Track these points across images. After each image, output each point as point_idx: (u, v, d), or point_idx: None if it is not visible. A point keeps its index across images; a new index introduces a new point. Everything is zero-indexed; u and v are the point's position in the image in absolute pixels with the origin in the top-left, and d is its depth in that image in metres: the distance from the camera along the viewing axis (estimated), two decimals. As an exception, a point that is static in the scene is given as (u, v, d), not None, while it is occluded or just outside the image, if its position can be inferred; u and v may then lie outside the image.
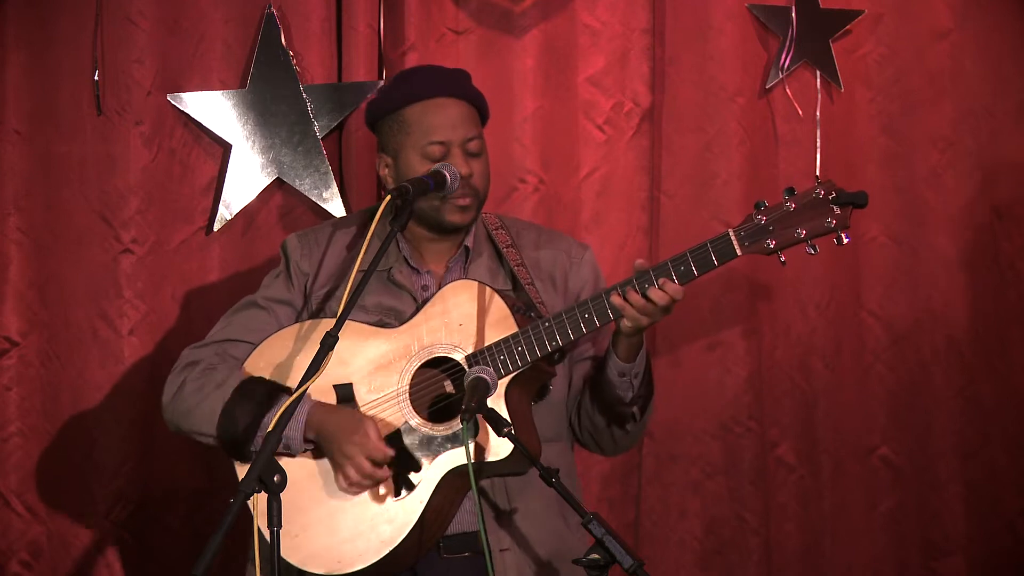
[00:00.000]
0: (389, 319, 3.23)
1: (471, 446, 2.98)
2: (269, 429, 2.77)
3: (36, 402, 4.03)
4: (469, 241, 3.31)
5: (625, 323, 3.10)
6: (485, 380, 3.00)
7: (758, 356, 4.20)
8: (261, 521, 3.00)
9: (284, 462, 3.13)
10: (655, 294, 3.06)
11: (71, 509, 4.02)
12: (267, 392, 3.17)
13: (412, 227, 3.30)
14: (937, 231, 4.25)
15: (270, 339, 3.26)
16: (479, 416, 2.97)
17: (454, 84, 3.29)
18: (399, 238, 3.30)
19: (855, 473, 4.25)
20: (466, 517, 3.19)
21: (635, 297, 3.07)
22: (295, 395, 2.82)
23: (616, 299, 3.08)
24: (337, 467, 3.13)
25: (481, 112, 3.33)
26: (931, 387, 4.25)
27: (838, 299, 4.24)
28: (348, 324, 3.12)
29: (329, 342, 2.89)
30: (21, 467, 4.02)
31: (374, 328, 3.21)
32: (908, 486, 4.25)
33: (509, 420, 2.99)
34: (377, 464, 3.10)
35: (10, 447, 4.02)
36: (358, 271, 3.03)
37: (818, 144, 4.17)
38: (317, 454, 3.17)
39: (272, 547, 2.73)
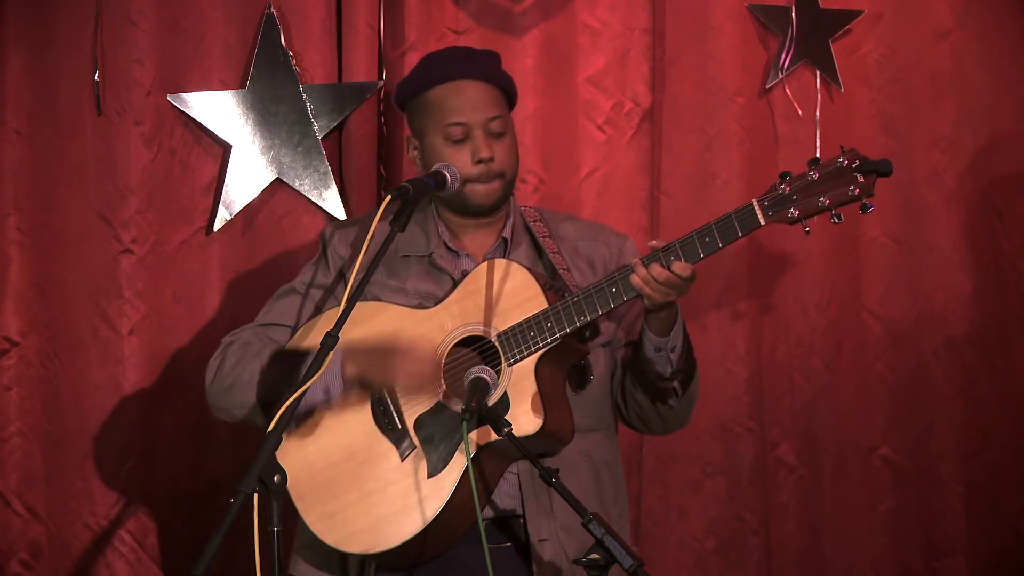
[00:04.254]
0: (428, 303, 3.25)
1: (478, 435, 2.99)
2: (269, 429, 2.77)
3: (36, 402, 4.03)
4: (507, 232, 3.33)
5: (646, 301, 3.10)
6: (485, 380, 3.01)
7: (758, 356, 4.20)
8: (299, 504, 3.08)
9: (321, 444, 3.14)
10: (678, 267, 3.06)
11: (71, 509, 4.02)
12: (304, 355, 3.17)
13: (445, 213, 3.32)
14: (937, 231, 4.25)
15: (310, 323, 3.27)
16: (503, 395, 3.02)
17: (477, 65, 3.31)
18: (438, 222, 3.32)
19: (855, 473, 4.24)
20: (504, 499, 3.19)
21: (658, 270, 3.06)
22: (295, 395, 2.82)
23: (635, 279, 3.08)
24: (391, 377, 3.16)
25: (508, 93, 3.33)
26: (931, 387, 4.25)
27: (838, 299, 4.24)
28: (387, 307, 3.16)
29: (329, 342, 2.89)
30: (21, 467, 4.02)
31: (411, 310, 3.23)
32: (909, 486, 4.25)
33: (509, 420, 2.99)
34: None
35: (10, 447, 4.02)
36: (357, 273, 3.04)
37: (818, 144, 4.17)
38: (353, 434, 3.18)
39: (272, 547, 2.72)
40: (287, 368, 3.17)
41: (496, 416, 2.97)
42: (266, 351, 3.24)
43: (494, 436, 3.07)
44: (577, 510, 2.89)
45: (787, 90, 4.20)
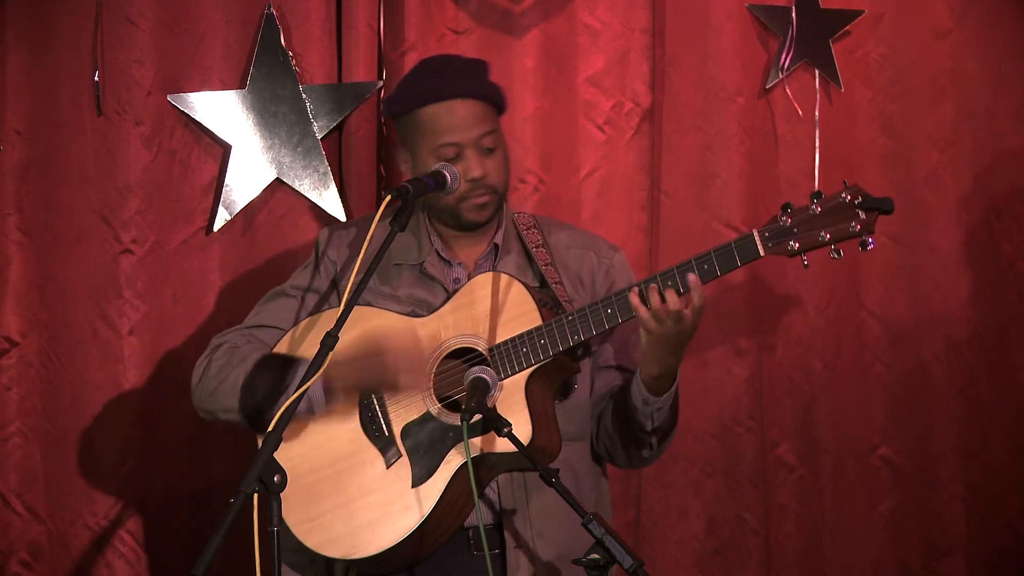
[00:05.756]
0: (421, 310, 3.25)
1: (470, 443, 2.99)
2: (269, 429, 2.77)
3: (36, 402, 4.03)
4: (499, 239, 3.33)
5: (643, 333, 3.05)
6: (485, 380, 3.01)
7: (758, 356, 4.20)
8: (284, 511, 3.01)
9: (306, 448, 3.14)
10: (670, 297, 3.01)
11: (71, 509, 4.02)
12: (287, 361, 3.18)
13: (437, 224, 3.33)
14: (937, 231, 4.25)
15: (299, 326, 3.28)
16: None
17: (466, 82, 3.29)
18: (430, 231, 3.33)
19: (855, 473, 4.24)
20: (485, 509, 3.19)
21: (654, 297, 3.03)
22: (295, 395, 2.82)
23: (633, 298, 3.05)
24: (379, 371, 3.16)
25: (497, 104, 3.33)
26: (931, 387, 4.25)
27: (838, 299, 4.24)
28: (379, 312, 3.15)
29: (329, 342, 2.89)
30: (21, 467, 4.02)
31: (404, 318, 3.23)
32: (908, 486, 4.25)
33: (508, 420, 2.99)
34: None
35: (10, 447, 4.02)
36: (357, 273, 3.04)
37: (818, 144, 4.17)
38: (339, 440, 3.17)
39: (272, 547, 2.73)
40: (271, 375, 3.17)
41: (495, 416, 2.97)
42: (252, 357, 3.23)
43: (485, 448, 3.08)
44: (577, 511, 2.89)
45: (787, 90, 4.20)
